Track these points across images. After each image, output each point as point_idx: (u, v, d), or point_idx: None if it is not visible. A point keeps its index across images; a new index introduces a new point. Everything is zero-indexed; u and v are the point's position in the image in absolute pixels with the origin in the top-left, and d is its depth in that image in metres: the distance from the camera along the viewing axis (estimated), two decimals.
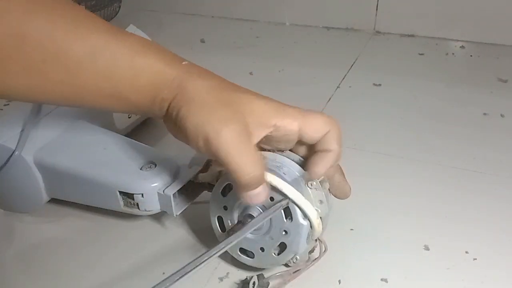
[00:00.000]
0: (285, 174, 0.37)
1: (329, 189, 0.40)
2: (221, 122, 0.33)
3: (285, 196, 0.36)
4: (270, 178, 0.36)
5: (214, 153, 0.33)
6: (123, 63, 0.34)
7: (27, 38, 0.31)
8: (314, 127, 0.36)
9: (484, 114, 0.66)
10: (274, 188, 0.37)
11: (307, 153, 0.39)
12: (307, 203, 0.37)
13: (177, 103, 0.34)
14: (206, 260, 0.33)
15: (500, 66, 0.80)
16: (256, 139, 0.35)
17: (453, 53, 0.86)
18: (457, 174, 0.54)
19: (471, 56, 0.85)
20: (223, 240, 0.35)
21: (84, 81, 0.34)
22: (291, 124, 0.35)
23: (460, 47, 0.88)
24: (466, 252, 0.44)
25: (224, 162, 0.33)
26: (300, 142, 0.38)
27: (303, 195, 0.37)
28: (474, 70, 0.80)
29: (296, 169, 0.38)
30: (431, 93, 0.72)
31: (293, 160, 0.39)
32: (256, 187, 0.35)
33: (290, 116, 0.36)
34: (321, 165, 0.37)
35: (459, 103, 0.69)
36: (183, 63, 0.36)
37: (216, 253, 0.34)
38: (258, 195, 0.35)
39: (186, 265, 0.32)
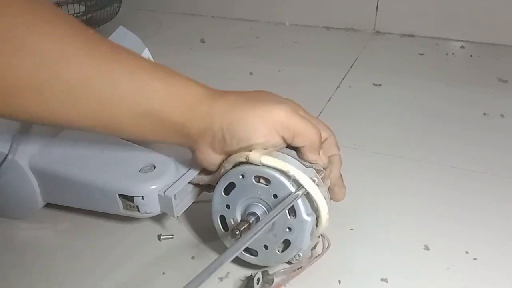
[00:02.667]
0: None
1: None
2: (276, 106, 0.37)
3: (301, 186, 0.37)
4: (287, 167, 0.36)
5: (288, 128, 0.37)
6: (156, 83, 0.36)
7: (89, 79, 0.34)
8: (322, 127, 0.41)
9: (484, 114, 0.66)
10: (280, 183, 0.37)
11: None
12: (321, 196, 0.37)
13: (225, 116, 0.37)
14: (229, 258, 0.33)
15: (500, 66, 0.80)
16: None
17: (453, 53, 0.86)
18: (457, 174, 0.54)
19: (471, 56, 0.85)
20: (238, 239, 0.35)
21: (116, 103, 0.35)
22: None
23: (460, 47, 0.88)
24: (466, 252, 0.44)
25: (298, 131, 0.37)
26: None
27: None
28: (474, 70, 0.80)
29: (297, 166, 0.38)
30: (431, 93, 0.72)
31: (294, 157, 0.39)
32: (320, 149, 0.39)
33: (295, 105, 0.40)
34: (336, 168, 0.43)
35: (459, 103, 0.69)
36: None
37: (242, 246, 0.34)
38: (323, 157, 0.40)
39: (201, 272, 0.31)
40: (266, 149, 0.38)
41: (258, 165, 0.37)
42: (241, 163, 0.39)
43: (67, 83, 0.33)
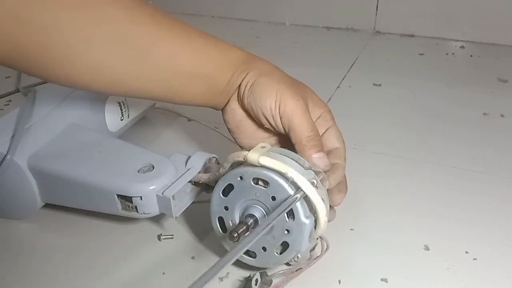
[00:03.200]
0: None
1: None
2: (297, 95, 0.41)
3: (300, 189, 0.37)
4: (286, 169, 0.36)
5: (288, 114, 0.41)
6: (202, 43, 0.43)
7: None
8: (335, 135, 0.45)
9: (484, 114, 0.66)
10: (278, 186, 0.37)
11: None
12: (319, 199, 0.37)
13: (254, 75, 0.42)
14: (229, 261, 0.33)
15: (500, 66, 0.80)
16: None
17: (453, 53, 0.86)
18: (457, 174, 0.54)
19: (471, 56, 0.85)
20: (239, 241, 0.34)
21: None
22: (329, 120, 0.45)
23: (460, 47, 0.88)
24: (466, 252, 0.44)
25: (294, 122, 0.41)
26: None
27: None
28: (474, 70, 0.80)
29: (297, 168, 0.38)
30: (431, 93, 0.72)
31: (292, 159, 0.39)
32: (319, 150, 0.41)
33: (330, 112, 0.45)
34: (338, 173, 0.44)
35: (459, 103, 0.69)
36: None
37: (243, 249, 0.34)
38: (322, 158, 0.41)
39: (203, 275, 0.31)
40: (264, 147, 0.38)
41: (256, 165, 0.37)
42: (239, 163, 0.39)
43: (139, 49, 0.39)
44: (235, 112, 0.44)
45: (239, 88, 0.43)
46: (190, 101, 0.44)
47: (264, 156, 0.37)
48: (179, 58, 0.41)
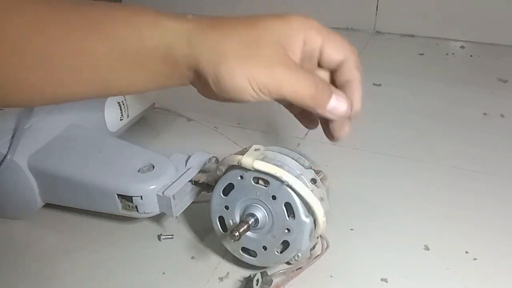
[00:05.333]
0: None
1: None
2: (268, 62, 0.33)
3: (294, 191, 0.36)
4: (280, 173, 0.36)
5: (275, 92, 0.33)
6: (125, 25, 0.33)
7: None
8: (335, 45, 0.36)
9: (484, 114, 0.66)
10: (278, 185, 0.37)
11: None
12: (315, 199, 0.37)
13: (210, 66, 0.32)
14: None
15: (500, 66, 0.80)
16: (297, 59, 0.35)
17: (453, 53, 0.86)
18: (457, 174, 0.54)
19: (471, 56, 0.85)
20: None
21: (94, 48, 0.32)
22: (315, 38, 0.35)
23: (460, 47, 0.88)
24: (466, 252, 0.44)
25: (287, 96, 0.33)
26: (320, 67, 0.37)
27: None
28: (474, 70, 0.80)
29: (296, 167, 0.38)
30: (431, 93, 0.72)
31: (292, 158, 0.39)
32: (327, 100, 0.34)
33: (314, 28, 0.35)
34: (357, 96, 0.36)
35: (459, 103, 0.69)
36: (188, 17, 0.35)
37: None
38: (336, 108, 0.34)
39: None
40: (258, 149, 0.38)
41: (250, 170, 0.37)
42: (235, 167, 0.39)
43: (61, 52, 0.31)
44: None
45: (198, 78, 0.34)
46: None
47: (258, 160, 0.37)
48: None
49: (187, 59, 0.33)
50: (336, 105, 0.35)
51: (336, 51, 0.36)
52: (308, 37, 0.35)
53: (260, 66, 0.33)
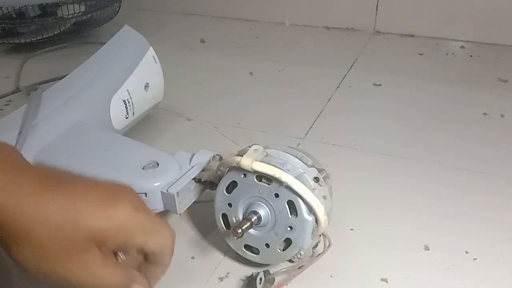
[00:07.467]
0: (289, 171, 0.37)
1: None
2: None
3: (294, 192, 0.37)
4: (279, 174, 0.36)
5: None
6: None
7: None
8: (161, 243, 0.32)
9: (484, 114, 0.66)
10: (281, 184, 0.37)
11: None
12: (315, 198, 0.37)
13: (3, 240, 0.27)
14: None
15: (500, 66, 0.80)
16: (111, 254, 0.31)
17: (453, 53, 0.86)
18: (457, 174, 0.54)
19: (471, 56, 0.85)
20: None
21: None
22: (137, 237, 0.31)
23: (460, 47, 0.88)
24: (466, 252, 0.44)
25: None
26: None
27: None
28: (474, 70, 0.80)
29: (299, 166, 0.38)
30: (431, 93, 0.72)
31: (296, 157, 0.39)
32: None
33: (138, 226, 0.31)
34: (157, 277, 0.35)
35: (459, 103, 0.69)
36: None
37: None
38: None
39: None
40: (257, 150, 0.38)
41: (250, 171, 0.37)
42: (233, 167, 0.39)
43: None
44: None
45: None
46: None
47: (257, 162, 0.37)
48: None
49: None
50: None
51: (160, 248, 0.32)
52: (130, 240, 0.31)
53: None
